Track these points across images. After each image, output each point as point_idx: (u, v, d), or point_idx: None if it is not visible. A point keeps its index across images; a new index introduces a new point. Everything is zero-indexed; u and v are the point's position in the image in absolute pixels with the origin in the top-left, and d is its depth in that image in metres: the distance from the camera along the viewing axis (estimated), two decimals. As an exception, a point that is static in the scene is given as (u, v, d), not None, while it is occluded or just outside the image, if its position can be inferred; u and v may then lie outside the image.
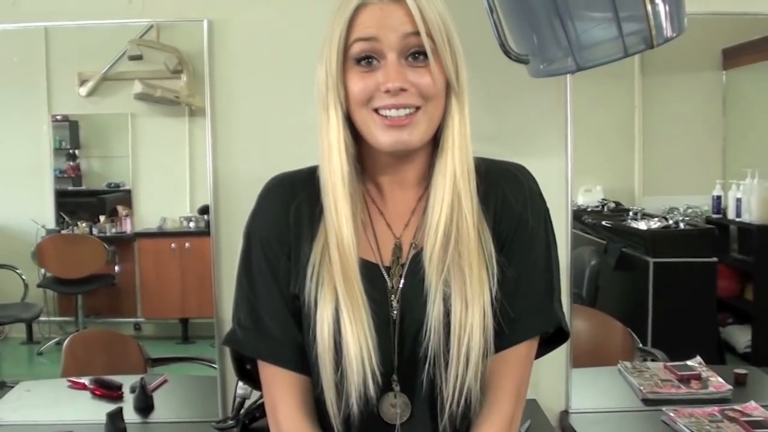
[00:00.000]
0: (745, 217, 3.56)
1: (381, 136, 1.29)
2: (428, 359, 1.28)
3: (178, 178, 3.54)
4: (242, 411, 2.30)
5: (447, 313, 1.27)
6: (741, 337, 3.60)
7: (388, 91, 1.26)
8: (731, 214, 3.64)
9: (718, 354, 3.42)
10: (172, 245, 3.58)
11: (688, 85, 3.75)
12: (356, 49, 1.28)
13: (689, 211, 3.64)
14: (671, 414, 2.31)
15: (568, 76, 2.66)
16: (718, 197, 3.69)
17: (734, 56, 3.70)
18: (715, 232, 3.55)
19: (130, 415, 2.44)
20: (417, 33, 1.26)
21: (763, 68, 3.57)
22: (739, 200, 3.59)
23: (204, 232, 2.96)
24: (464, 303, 1.25)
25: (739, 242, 3.71)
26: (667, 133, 3.71)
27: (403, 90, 1.26)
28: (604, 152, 3.68)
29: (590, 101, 2.95)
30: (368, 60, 1.28)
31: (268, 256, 1.37)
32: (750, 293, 3.64)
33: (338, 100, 1.31)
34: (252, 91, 2.68)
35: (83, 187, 3.83)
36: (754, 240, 3.55)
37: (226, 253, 2.69)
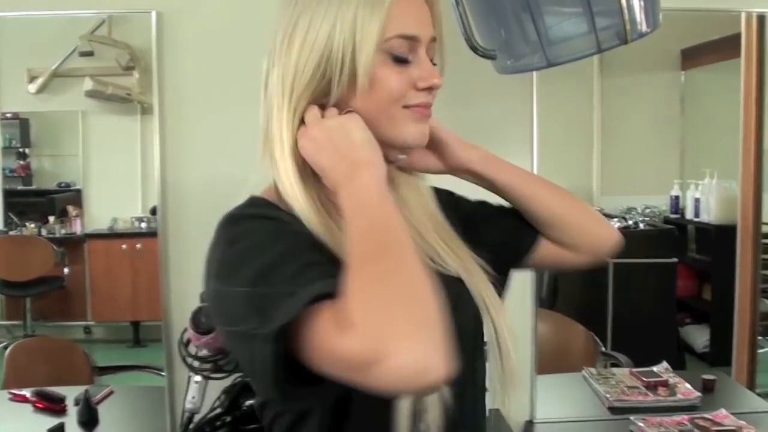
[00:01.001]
0: (704, 217, 3.45)
1: (411, 130, 1.19)
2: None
3: (130, 178, 3.35)
4: (191, 426, 2.10)
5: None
6: (699, 337, 3.49)
7: (429, 88, 1.18)
8: (689, 214, 3.52)
9: (678, 355, 3.29)
10: (123, 246, 3.37)
11: (647, 85, 3.64)
12: (396, 44, 1.15)
13: (647, 211, 3.51)
14: (640, 423, 2.16)
15: (534, 73, 2.49)
16: (677, 197, 3.57)
17: (693, 56, 3.59)
18: (675, 233, 3.42)
19: (73, 429, 2.22)
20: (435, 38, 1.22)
21: (721, 68, 3.47)
22: (697, 200, 3.47)
23: (156, 233, 2.76)
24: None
25: (697, 242, 3.59)
26: (626, 133, 3.59)
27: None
28: (562, 152, 3.53)
29: (548, 101, 2.81)
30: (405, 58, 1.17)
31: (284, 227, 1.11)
32: (708, 293, 3.54)
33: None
34: (203, 87, 2.49)
35: (33, 187, 3.60)
36: (713, 240, 3.43)
37: (173, 254, 2.48)
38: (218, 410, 2.19)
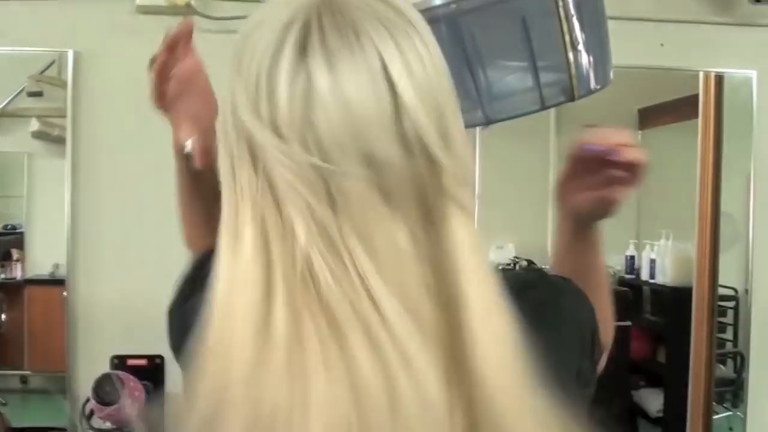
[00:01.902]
0: (659, 279, 3.28)
1: None
2: None
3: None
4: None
5: None
6: (653, 400, 3.30)
7: None
8: (645, 275, 3.35)
9: (630, 420, 3.07)
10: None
11: (604, 142, 3.45)
12: None
13: (602, 270, 3.29)
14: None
15: (477, 130, 2.28)
16: (632, 257, 3.39)
17: (650, 116, 3.45)
18: (630, 296, 3.23)
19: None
20: None
21: (677, 129, 3.36)
22: (653, 261, 3.31)
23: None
24: None
25: (651, 303, 3.41)
26: (582, 191, 3.39)
27: None
28: (517, 209, 3.37)
29: (503, 157, 2.62)
30: None
31: None
32: (662, 356, 3.34)
33: None
34: (121, 131, 2.25)
35: (-22, 229, 3.36)
36: (668, 302, 3.26)
37: (83, 308, 2.23)
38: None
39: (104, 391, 1.71)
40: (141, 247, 2.16)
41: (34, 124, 3.07)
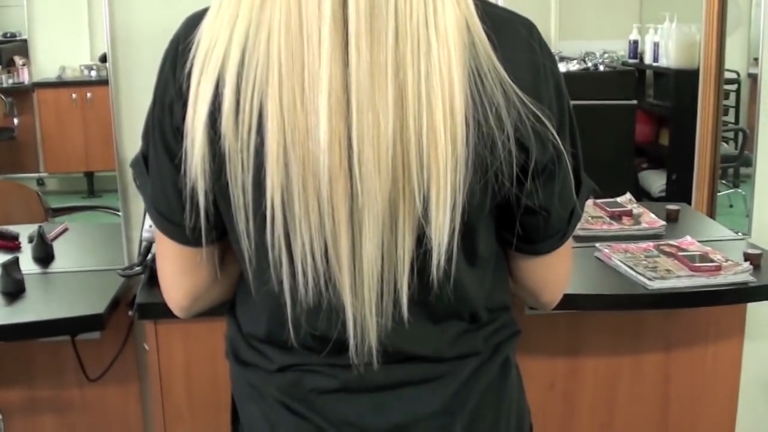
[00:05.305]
0: (662, 62, 3.35)
1: None
2: None
3: (78, 24, 3.16)
4: (149, 256, 2.01)
5: None
6: (655, 181, 3.44)
7: None
8: (648, 59, 3.42)
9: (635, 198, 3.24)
10: (73, 95, 3.20)
11: (607, -76, 3.49)
12: None
13: (606, 55, 3.41)
14: (605, 250, 2.09)
15: None
16: (635, 41, 3.46)
17: None
18: (635, 74, 3.32)
19: (28, 265, 2.13)
20: None
21: None
22: (656, 44, 3.37)
23: (107, 81, 2.60)
24: None
25: (655, 87, 3.51)
26: (585, -26, 3.46)
27: None
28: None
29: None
30: None
31: None
32: (665, 138, 3.47)
33: None
34: None
35: (-23, 38, 3.40)
36: (671, 85, 3.35)
37: (126, 103, 2.33)
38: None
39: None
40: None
41: (29, -74, 3.07)
